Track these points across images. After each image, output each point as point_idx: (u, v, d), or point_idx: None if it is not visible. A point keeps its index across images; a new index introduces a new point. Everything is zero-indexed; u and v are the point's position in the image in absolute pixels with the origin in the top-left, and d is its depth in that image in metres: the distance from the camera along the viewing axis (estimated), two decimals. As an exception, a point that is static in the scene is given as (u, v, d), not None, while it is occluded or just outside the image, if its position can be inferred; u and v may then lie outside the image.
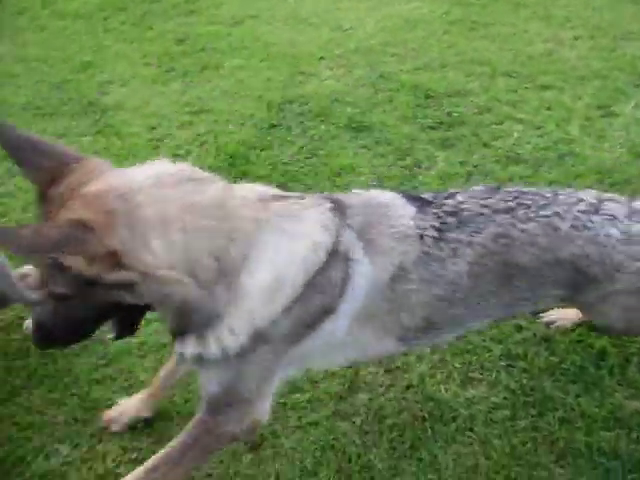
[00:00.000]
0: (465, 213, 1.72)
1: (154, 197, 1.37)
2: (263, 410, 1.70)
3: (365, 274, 1.63)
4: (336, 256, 1.59)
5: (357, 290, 1.63)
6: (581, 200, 1.80)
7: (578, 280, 1.78)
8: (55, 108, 4.01)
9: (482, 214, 1.72)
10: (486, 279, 1.73)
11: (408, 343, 1.84)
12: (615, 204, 1.81)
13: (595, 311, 1.95)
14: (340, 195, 1.78)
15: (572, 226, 1.74)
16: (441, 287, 1.70)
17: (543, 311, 2.40)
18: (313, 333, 1.62)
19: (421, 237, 1.68)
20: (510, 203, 1.76)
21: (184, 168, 1.49)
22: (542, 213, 1.74)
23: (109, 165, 1.48)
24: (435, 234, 1.69)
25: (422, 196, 1.81)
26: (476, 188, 1.86)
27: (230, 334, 1.50)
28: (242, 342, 1.51)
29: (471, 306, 1.77)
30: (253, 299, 1.49)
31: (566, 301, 1.95)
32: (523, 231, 1.72)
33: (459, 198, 1.77)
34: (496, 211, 1.74)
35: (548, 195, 1.81)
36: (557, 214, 1.74)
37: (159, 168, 1.46)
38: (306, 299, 1.56)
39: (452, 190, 1.85)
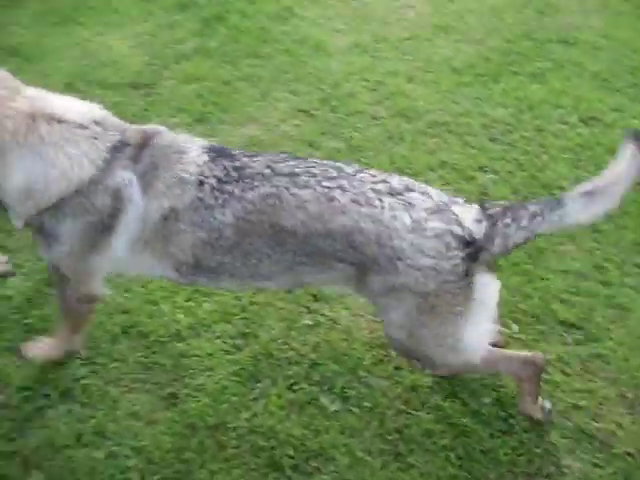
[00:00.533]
0: (248, 170, 1.81)
1: None
2: (91, 287, 2.06)
3: (137, 211, 1.84)
4: (101, 188, 1.82)
5: (130, 223, 1.85)
6: (384, 182, 1.78)
7: (358, 258, 1.76)
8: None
9: (263, 174, 1.80)
10: (253, 236, 1.80)
11: (185, 277, 1.96)
12: (422, 197, 1.76)
13: (380, 306, 1.89)
14: (152, 134, 1.92)
15: (352, 200, 1.73)
16: (205, 232, 1.82)
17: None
18: (91, 241, 1.90)
19: (200, 183, 1.81)
20: (298, 170, 1.80)
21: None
22: (324, 184, 1.76)
23: None
24: (214, 184, 1.80)
25: (227, 149, 1.93)
26: (284, 155, 1.92)
27: (16, 219, 1.93)
28: (21, 226, 1.95)
29: (242, 260, 1.85)
30: (12, 197, 1.86)
31: (356, 283, 1.84)
32: (294, 195, 1.75)
33: (258, 158, 1.86)
34: (278, 174, 1.79)
35: (349, 171, 1.81)
36: (341, 187, 1.75)
37: None
38: (64, 212, 1.85)
39: (268, 152, 2.05)
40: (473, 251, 1.74)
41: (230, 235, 1.81)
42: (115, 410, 2.16)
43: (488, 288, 1.82)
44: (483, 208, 1.80)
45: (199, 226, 1.82)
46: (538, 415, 2.08)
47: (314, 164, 1.84)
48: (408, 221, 1.71)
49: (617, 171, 1.76)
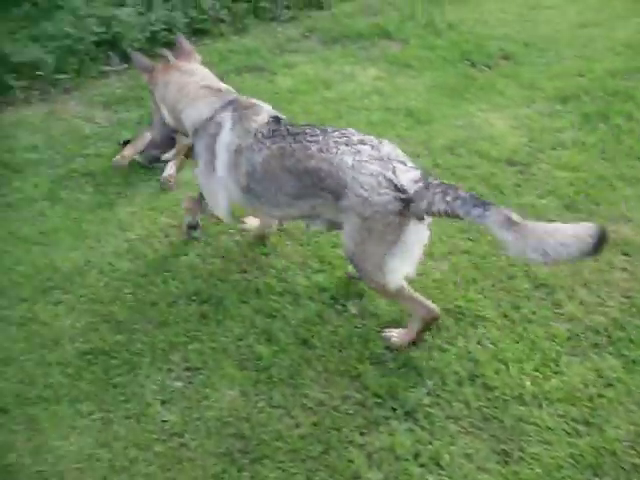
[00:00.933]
0: (277, 132, 2.67)
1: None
2: (220, 208, 3.01)
3: (225, 141, 2.79)
4: (213, 121, 2.85)
5: (221, 145, 2.80)
6: (346, 137, 2.53)
7: (327, 187, 2.49)
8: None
9: (283, 135, 2.64)
10: (272, 170, 2.63)
11: (246, 197, 2.81)
12: (370, 149, 2.46)
13: (341, 220, 2.53)
14: (253, 103, 2.89)
15: (319, 149, 2.51)
16: (249, 166, 2.70)
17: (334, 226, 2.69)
18: (211, 151, 2.86)
19: (255, 135, 2.71)
20: (299, 131, 2.62)
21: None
22: (308, 139, 2.56)
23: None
24: (260, 137, 2.69)
25: (280, 118, 2.80)
26: (304, 125, 2.76)
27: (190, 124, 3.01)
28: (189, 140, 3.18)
29: (269, 188, 2.67)
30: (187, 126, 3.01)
31: (333, 208, 2.52)
32: (291, 146, 2.58)
33: (286, 123, 2.76)
34: (291, 134, 2.63)
35: (329, 130, 2.59)
36: (315, 141, 2.54)
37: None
38: (201, 131, 2.91)
39: (302, 124, 2.87)
40: (404, 198, 2.35)
41: (260, 170, 2.66)
42: (451, 445, 2.32)
43: (416, 236, 2.46)
44: (423, 175, 2.42)
45: (247, 162, 2.70)
46: (402, 346, 2.68)
47: (313, 129, 2.62)
48: (350, 162, 2.43)
49: (561, 237, 2.13)
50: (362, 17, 6.58)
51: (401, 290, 2.56)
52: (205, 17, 5.99)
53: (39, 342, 2.84)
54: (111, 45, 5.51)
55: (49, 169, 4.15)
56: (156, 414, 2.50)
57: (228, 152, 2.77)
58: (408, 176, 2.40)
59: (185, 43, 3.19)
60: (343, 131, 2.57)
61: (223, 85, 3.05)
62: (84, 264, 3.28)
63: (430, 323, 2.67)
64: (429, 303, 2.63)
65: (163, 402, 2.55)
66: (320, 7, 6.75)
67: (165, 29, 5.70)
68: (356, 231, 2.45)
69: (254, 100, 2.93)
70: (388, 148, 2.50)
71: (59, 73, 5.14)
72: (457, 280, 3.03)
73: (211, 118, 2.85)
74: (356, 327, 2.82)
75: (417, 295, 2.62)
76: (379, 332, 2.77)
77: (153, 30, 5.63)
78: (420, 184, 2.37)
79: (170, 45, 5.62)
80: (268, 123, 2.73)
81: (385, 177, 2.37)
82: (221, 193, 2.89)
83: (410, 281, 2.62)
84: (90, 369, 2.70)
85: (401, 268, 2.50)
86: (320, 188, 2.50)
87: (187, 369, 2.68)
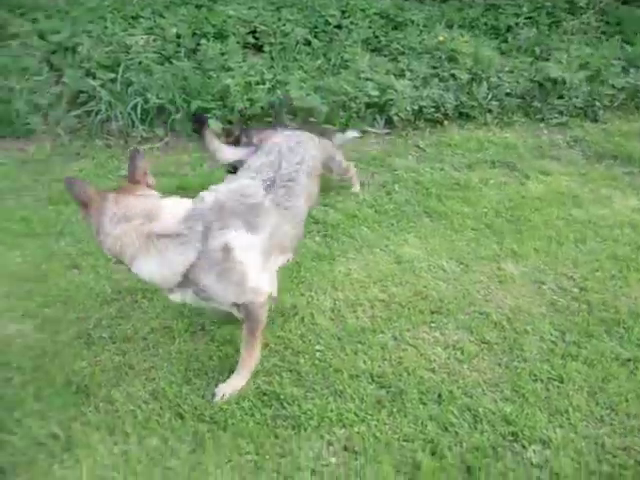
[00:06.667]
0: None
1: None
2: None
3: (247, 243, 2.69)
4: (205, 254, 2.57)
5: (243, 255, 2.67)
6: None
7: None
8: None
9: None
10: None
11: None
12: None
13: None
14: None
15: None
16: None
17: None
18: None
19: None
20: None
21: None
22: None
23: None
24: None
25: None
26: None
27: None
28: None
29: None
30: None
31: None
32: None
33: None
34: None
35: None
36: None
37: None
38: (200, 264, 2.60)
39: None
40: None
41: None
42: None
43: None
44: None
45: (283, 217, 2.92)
46: None
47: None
48: None
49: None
50: (638, 139, 6.13)
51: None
52: (474, 104, 6.07)
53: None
54: (380, 109, 5.86)
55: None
56: (303, 481, 2.53)
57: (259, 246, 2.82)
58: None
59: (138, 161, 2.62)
60: None
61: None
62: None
63: None
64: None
65: (313, 472, 2.56)
66: (594, 119, 6.43)
67: (433, 106, 5.90)
68: None
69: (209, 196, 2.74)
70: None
71: (328, 123, 5.59)
72: None
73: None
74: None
75: None
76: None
77: (421, 105, 5.86)
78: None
79: (433, 122, 5.89)
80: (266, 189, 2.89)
81: None
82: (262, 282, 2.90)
83: None
84: (262, 410, 2.82)
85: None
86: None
87: (345, 449, 2.67)
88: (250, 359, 2.94)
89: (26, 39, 5.87)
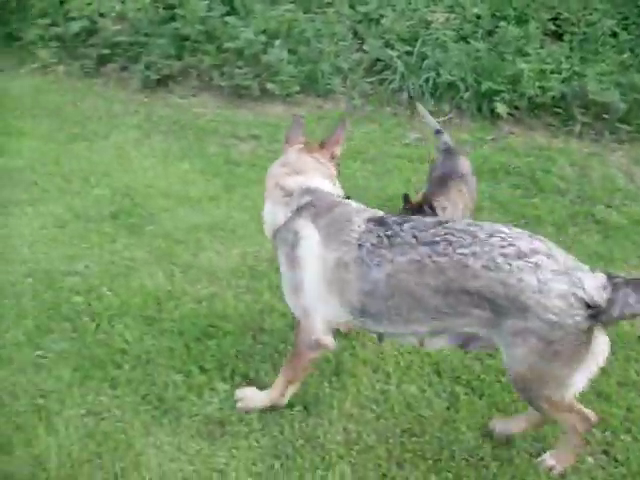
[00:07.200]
0: (397, 239, 2.30)
1: None
2: (317, 331, 2.52)
3: (315, 252, 2.45)
4: (287, 226, 2.58)
5: (307, 258, 2.46)
6: (512, 245, 2.13)
7: (491, 308, 2.16)
8: None
9: (409, 243, 2.27)
10: (402, 289, 2.28)
11: (357, 318, 2.45)
12: (548, 260, 2.11)
13: (507, 342, 2.21)
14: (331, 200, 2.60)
15: (483, 266, 2.14)
16: (366, 283, 2.35)
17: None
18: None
19: (359, 246, 2.36)
20: (437, 238, 2.24)
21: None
22: (459, 251, 2.18)
23: None
24: (370, 247, 2.34)
25: (383, 217, 2.46)
26: (427, 220, 2.41)
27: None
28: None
29: (395, 307, 2.32)
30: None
31: (490, 326, 2.21)
32: (434, 262, 2.21)
33: (405, 226, 2.33)
34: (421, 243, 2.25)
35: (480, 236, 2.19)
36: (474, 254, 2.16)
37: None
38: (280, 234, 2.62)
39: (408, 217, 2.47)
40: (594, 313, 2.08)
41: (384, 288, 2.31)
42: None
43: (601, 344, 2.17)
44: (609, 277, 2.11)
45: (361, 278, 2.35)
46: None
47: (450, 231, 2.24)
48: (534, 282, 2.08)
49: None
50: None
51: (572, 402, 2.30)
52: None
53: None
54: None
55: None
56: None
57: (324, 268, 2.40)
58: (595, 285, 2.10)
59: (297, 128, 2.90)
60: (498, 233, 2.19)
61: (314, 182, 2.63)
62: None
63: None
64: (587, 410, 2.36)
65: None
66: None
67: None
68: (535, 354, 2.16)
69: (335, 198, 2.61)
70: (558, 251, 2.19)
71: (623, 122, 5.22)
72: None
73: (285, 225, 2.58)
74: None
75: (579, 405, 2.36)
76: None
77: None
78: (608, 289, 2.09)
79: None
80: (371, 229, 2.38)
81: (576, 296, 2.08)
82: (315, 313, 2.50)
83: None
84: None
85: (583, 380, 2.23)
86: (475, 306, 2.19)
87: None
88: (280, 382, 2.67)
89: (339, 7, 6.39)
